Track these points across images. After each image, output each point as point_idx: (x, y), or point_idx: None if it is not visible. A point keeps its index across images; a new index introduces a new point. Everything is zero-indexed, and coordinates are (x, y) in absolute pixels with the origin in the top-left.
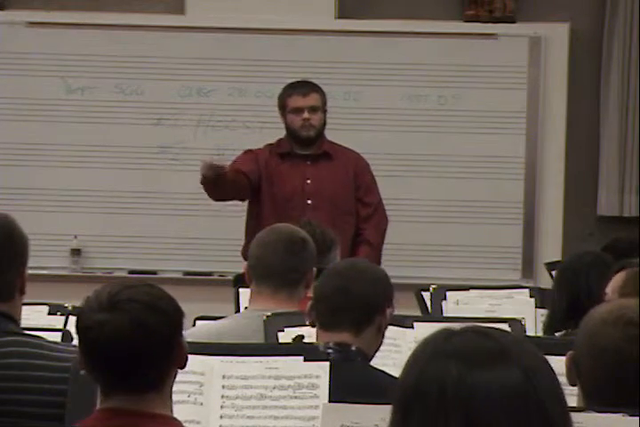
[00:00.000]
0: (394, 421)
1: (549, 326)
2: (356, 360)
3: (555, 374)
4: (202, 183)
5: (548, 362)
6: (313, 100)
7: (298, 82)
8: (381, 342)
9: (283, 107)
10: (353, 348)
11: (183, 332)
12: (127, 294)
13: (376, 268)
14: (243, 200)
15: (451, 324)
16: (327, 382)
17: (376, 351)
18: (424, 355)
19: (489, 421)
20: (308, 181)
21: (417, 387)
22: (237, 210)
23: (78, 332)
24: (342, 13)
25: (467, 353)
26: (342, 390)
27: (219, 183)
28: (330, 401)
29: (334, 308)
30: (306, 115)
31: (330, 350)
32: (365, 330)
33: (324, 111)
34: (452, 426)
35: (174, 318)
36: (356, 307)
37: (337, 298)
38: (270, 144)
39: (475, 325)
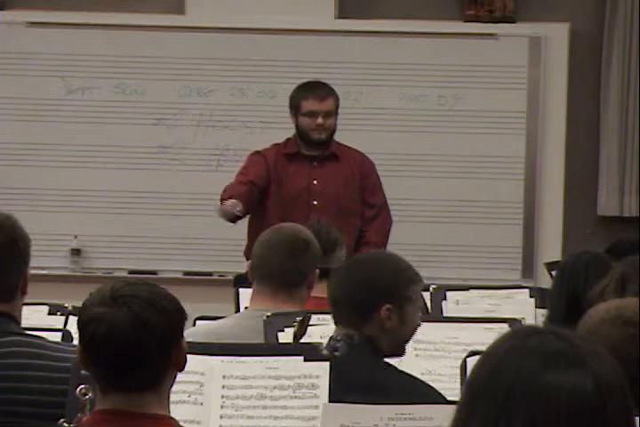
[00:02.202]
0: (459, 412)
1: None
2: (360, 350)
3: (627, 389)
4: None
5: (623, 376)
6: (329, 104)
7: (313, 83)
8: (411, 333)
9: (296, 108)
10: (357, 338)
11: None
12: (129, 290)
13: (367, 265)
14: None
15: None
16: (327, 382)
17: (405, 343)
18: (500, 351)
19: (551, 423)
20: (315, 182)
21: (488, 381)
22: None
23: (79, 326)
24: (342, 13)
25: (543, 353)
26: (348, 384)
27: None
28: (330, 400)
29: (333, 309)
30: (320, 120)
31: (337, 342)
32: (364, 327)
33: (337, 114)
34: (514, 424)
35: (175, 317)
36: (345, 310)
37: (331, 301)
38: (277, 144)
39: (559, 328)
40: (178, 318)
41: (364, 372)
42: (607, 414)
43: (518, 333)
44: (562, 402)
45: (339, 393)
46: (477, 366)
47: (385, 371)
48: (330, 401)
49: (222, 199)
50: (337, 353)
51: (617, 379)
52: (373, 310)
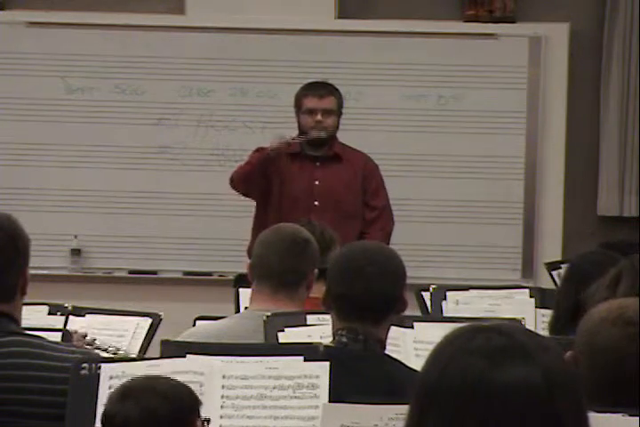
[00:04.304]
0: (411, 416)
1: (554, 327)
2: (372, 350)
3: (575, 375)
4: (265, 158)
5: (572, 369)
6: (328, 102)
7: (316, 82)
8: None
9: (298, 106)
10: (364, 337)
11: (186, 350)
12: (140, 384)
13: (392, 258)
14: (254, 198)
15: (456, 323)
16: (327, 382)
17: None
18: (446, 353)
19: (504, 420)
20: (317, 183)
21: (438, 382)
22: (238, 210)
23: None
24: (342, 13)
25: (488, 352)
26: (358, 379)
27: (264, 168)
28: (330, 400)
29: (358, 307)
30: (319, 117)
31: (343, 337)
32: (386, 319)
33: (340, 114)
34: (468, 424)
35: (186, 405)
36: (380, 304)
37: (360, 298)
38: None
39: (502, 323)
40: (189, 404)
41: (382, 367)
42: (556, 406)
43: (462, 333)
44: (510, 398)
45: (352, 389)
46: (425, 370)
47: (401, 367)
48: (331, 400)
49: (237, 172)
50: (348, 348)
51: (564, 371)
52: (401, 301)
